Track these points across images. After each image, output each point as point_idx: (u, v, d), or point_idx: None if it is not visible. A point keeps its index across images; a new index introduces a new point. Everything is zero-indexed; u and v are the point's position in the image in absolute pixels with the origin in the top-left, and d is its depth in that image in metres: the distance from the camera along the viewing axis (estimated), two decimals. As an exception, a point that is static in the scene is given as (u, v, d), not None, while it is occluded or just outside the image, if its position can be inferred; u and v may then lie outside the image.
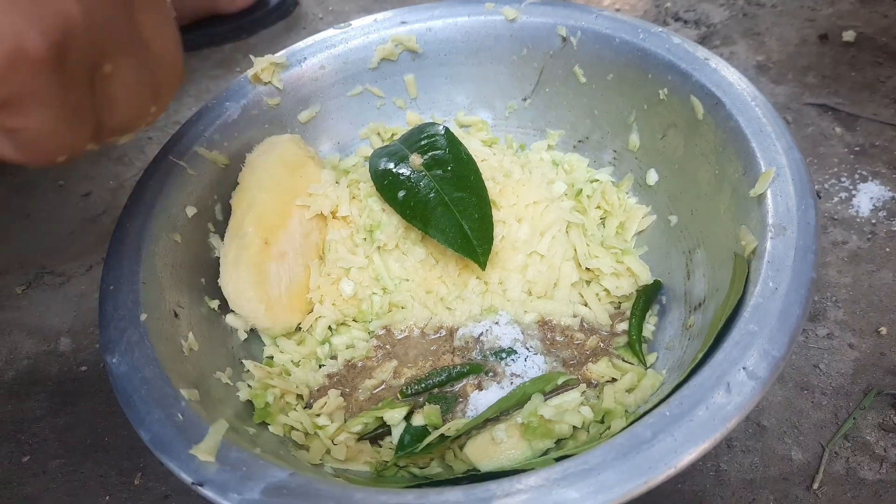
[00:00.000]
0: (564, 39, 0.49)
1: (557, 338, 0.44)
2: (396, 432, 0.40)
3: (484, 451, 0.38)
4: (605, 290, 0.45)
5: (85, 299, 0.57)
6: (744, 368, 0.29)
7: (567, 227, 0.46)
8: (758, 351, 0.30)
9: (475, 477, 0.37)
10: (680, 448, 0.28)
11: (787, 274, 0.32)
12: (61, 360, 0.54)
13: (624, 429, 0.30)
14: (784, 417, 0.44)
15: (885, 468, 0.41)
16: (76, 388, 0.52)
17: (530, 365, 0.42)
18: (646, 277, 0.45)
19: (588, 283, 0.46)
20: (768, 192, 0.36)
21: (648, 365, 0.42)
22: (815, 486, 0.41)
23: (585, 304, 0.45)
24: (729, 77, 0.42)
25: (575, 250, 0.46)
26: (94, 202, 0.65)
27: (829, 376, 0.46)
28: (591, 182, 0.51)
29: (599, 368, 0.41)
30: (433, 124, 0.47)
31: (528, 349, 0.43)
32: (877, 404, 0.44)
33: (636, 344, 0.42)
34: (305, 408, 0.43)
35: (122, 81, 0.26)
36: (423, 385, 0.42)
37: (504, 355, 0.42)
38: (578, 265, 0.45)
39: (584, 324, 0.45)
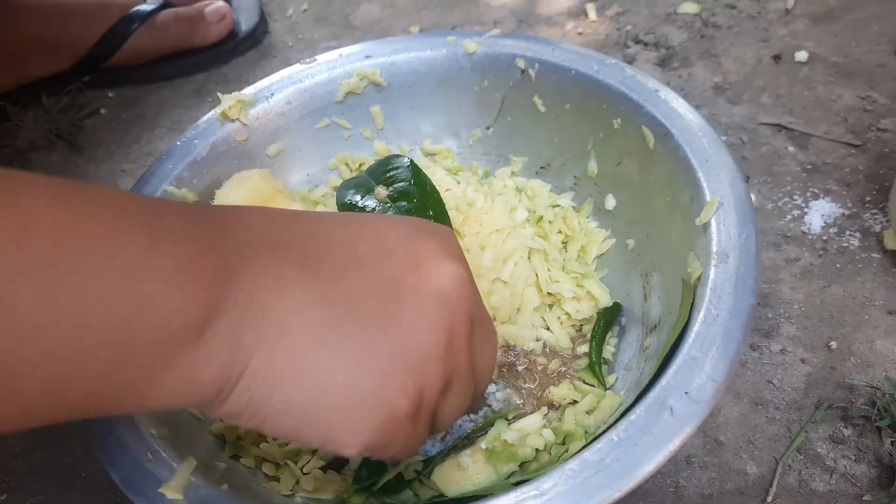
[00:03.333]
0: (523, 71, 0.51)
1: (519, 366, 0.45)
2: (354, 461, 0.41)
3: (451, 478, 0.39)
4: (567, 313, 0.47)
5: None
6: (686, 393, 0.31)
7: (529, 254, 0.48)
8: (700, 377, 0.31)
9: (443, 503, 0.39)
10: (625, 472, 0.29)
11: (728, 301, 0.34)
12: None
13: (576, 454, 0.31)
14: (740, 433, 0.46)
15: (835, 479, 0.43)
16: (54, 425, 0.52)
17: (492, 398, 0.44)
18: (605, 301, 0.47)
19: (550, 307, 0.48)
20: (713, 221, 0.38)
21: (609, 386, 0.43)
22: (769, 498, 0.43)
23: (547, 328, 0.47)
24: (678, 108, 0.43)
25: (537, 275, 0.47)
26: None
27: (783, 391, 0.47)
28: (553, 207, 0.52)
29: (561, 391, 0.43)
30: (399, 156, 0.48)
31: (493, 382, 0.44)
32: (827, 417, 0.46)
33: (596, 366, 0.43)
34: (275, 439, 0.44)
35: (453, 403, 0.30)
36: None
37: None
38: (540, 290, 0.47)
39: (547, 348, 0.46)
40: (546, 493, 0.29)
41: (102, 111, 0.77)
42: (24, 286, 0.19)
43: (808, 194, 0.59)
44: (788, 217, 0.58)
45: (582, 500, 0.28)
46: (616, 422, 0.31)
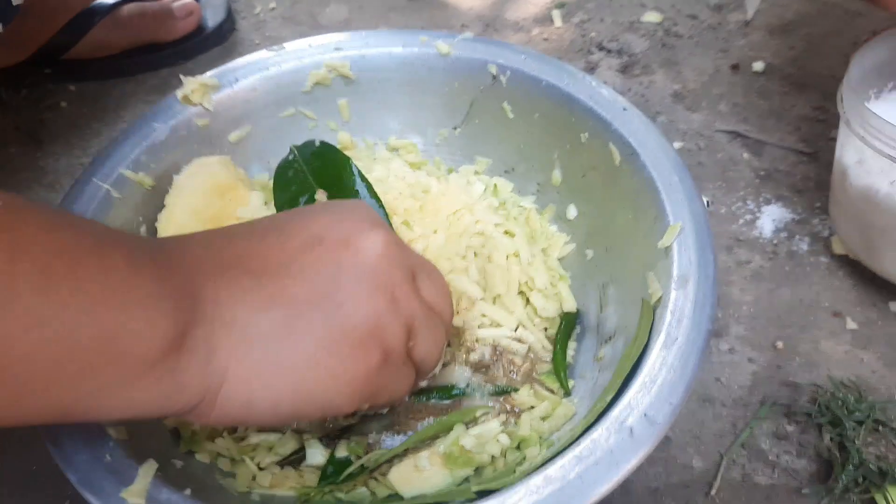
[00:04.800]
0: (495, 77, 0.51)
1: (497, 368, 0.46)
2: (312, 457, 0.42)
3: (407, 478, 0.40)
4: (535, 309, 0.48)
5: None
6: (645, 415, 0.33)
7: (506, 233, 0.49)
8: (658, 399, 0.33)
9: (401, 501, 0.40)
10: (586, 489, 0.31)
11: (686, 325, 0.35)
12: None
13: (540, 467, 0.32)
14: (687, 428, 0.48)
15: (776, 473, 0.46)
16: (13, 432, 0.51)
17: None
18: (570, 305, 0.48)
19: (527, 301, 0.48)
20: (674, 245, 0.39)
21: (568, 390, 0.45)
22: (713, 492, 0.45)
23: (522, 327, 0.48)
24: (644, 129, 0.45)
25: (518, 255, 0.48)
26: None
27: (730, 389, 0.50)
28: (517, 206, 0.53)
29: (521, 396, 0.44)
30: (332, 148, 0.49)
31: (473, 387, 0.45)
32: (772, 414, 0.49)
33: (561, 371, 0.45)
34: (231, 433, 0.44)
35: (426, 341, 0.34)
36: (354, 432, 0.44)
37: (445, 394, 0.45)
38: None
39: (527, 346, 0.47)
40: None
41: (63, 105, 0.74)
42: (13, 306, 0.21)
43: (761, 199, 0.62)
44: (741, 221, 0.60)
45: (544, 516, 0.30)
46: (579, 437, 0.33)
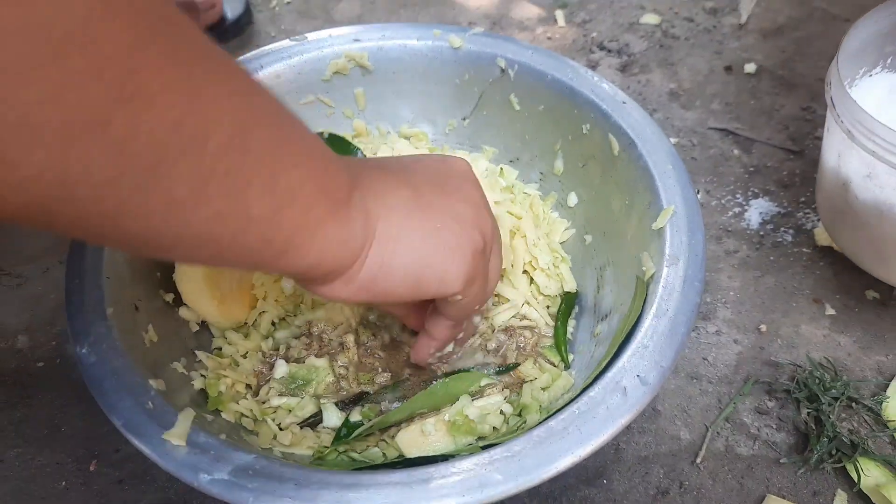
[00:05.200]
0: (503, 70, 0.54)
1: (511, 347, 0.50)
2: (328, 420, 0.45)
3: (413, 442, 0.43)
4: (538, 286, 0.51)
5: (42, 299, 0.59)
6: (637, 376, 0.36)
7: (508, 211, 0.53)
8: (649, 362, 0.37)
9: (407, 462, 0.43)
10: (584, 440, 0.34)
11: (676, 298, 0.39)
12: (18, 356, 0.56)
13: (541, 423, 0.36)
14: (675, 403, 0.52)
15: (757, 445, 0.50)
16: (33, 382, 0.54)
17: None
18: (571, 285, 0.52)
19: (531, 280, 0.52)
20: (667, 227, 0.43)
21: (570, 362, 0.48)
22: (698, 460, 0.49)
23: (528, 304, 0.51)
24: (641, 121, 0.48)
25: (525, 236, 0.52)
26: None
27: (716, 367, 0.54)
28: (522, 192, 0.57)
29: (525, 369, 0.48)
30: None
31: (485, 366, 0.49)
32: (754, 391, 0.52)
33: (562, 346, 0.48)
34: (254, 395, 0.48)
35: (496, 259, 0.39)
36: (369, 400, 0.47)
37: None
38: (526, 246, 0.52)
39: (529, 321, 0.51)
40: (516, 454, 0.34)
41: None
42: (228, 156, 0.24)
43: (749, 193, 0.65)
44: (730, 213, 0.64)
45: (546, 461, 0.33)
46: (577, 396, 0.36)
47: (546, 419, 0.36)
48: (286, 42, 0.56)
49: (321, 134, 0.54)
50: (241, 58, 0.55)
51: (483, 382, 0.46)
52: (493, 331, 0.50)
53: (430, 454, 0.42)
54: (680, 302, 0.39)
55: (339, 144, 0.52)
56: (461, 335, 0.45)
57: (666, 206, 0.44)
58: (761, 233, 0.63)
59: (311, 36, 0.56)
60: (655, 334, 0.38)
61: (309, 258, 0.29)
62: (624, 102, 0.50)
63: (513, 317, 0.50)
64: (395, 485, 0.33)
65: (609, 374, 0.37)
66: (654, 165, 0.46)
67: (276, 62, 0.55)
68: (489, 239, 0.37)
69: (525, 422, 0.43)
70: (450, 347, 0.46)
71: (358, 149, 0.52)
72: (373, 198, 0.32)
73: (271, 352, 0.50)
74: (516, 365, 0.48)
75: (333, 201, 0.29)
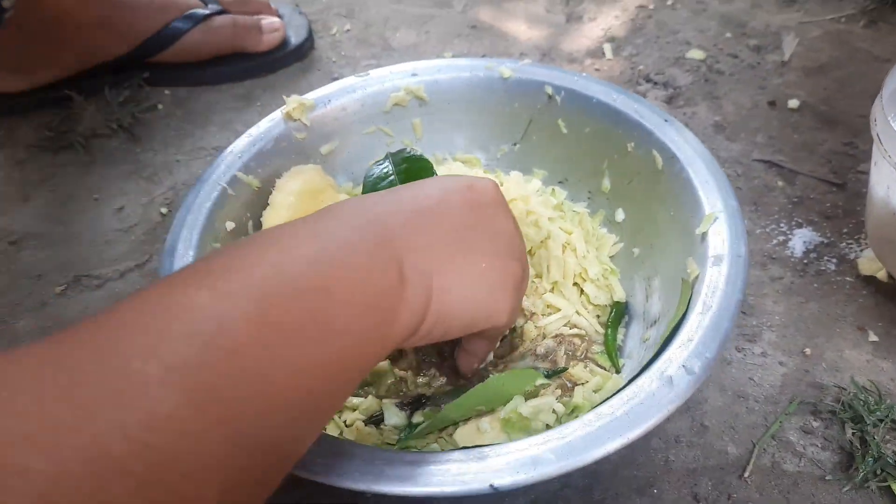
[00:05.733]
0: (550, 97, 0.58)
1: (560, 353, 0.52)
2: (389, 418, 0.48)
3: (470, 438, 0.45)
4: (587, 296, 0.53)
5: (121, 300, 0.64)
6: (683, 366, 0.38)
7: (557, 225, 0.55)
8: (694, 353, 0.38)
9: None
10: (633, 424, 0.36)
11: (719, 295, 0.41)
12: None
13: (591, 409, 0.38)
14: (723, 420, 0.53)
15: (803, 462, 0.50)
16: None
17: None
18: (620, 295, 0.54)
19: (581, 292, 0.54)
20: (710, 231, 0.45)
21: (620, 368, 0.50)
22: (746, 474, 0.49)
23: (578, 313, 0.53)
24: (683, 137, 0.51)
25: (575, 250, 0.54)
26: (127, 215, 0.72)
27: (762, 387, 0.55)
28: (571, 210, 0.59)
29: (577, 371, 0.49)
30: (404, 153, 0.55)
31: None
32: (799, 411, 0.53)
33: (613, 352, 0.50)
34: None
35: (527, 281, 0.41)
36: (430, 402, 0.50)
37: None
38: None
39: (582, 330, 0.52)
40: (567, 436, 0.36)
41: (159, 107, 0.84)
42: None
43: (793, 223, 0.67)
44: (774, 241, 0.65)
45: (596, 443, 0.35)
46: (626, 385, 0.38)
47: (598, 405, 0.38)
48: (352, 79, 0.61)
49: (404, 149, 0.56)
50: (311, 94, 0.60)
51: (538, 382, 0.48)
52: (544, 337, 0.52)
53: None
54: (723, 298, 0.41)
55: (418, 162, 0.54)
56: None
57: (708, 212, 0.46)
58: (805, 261, 0.63)
59: (373, 73, 0.62)
60: (700, 328, 0.40)
61: (390, 345, 0.32)
62: (666, 120, 0.53)
63: (563, 325, 0.52)
64: (454, 461, 0.35)
65: (656, 365, 0.38)
66: (695, 176, 0.48)
67: (343, 96, 0.60)
68: (525, 264, 0.39)
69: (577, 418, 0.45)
70: (490, 357, 0.50)
71: (431, 164, 0.54)
72: (422, 256, 0.33)
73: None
74: (564, 369, 0.50)
75: (392, 300, 0.31)
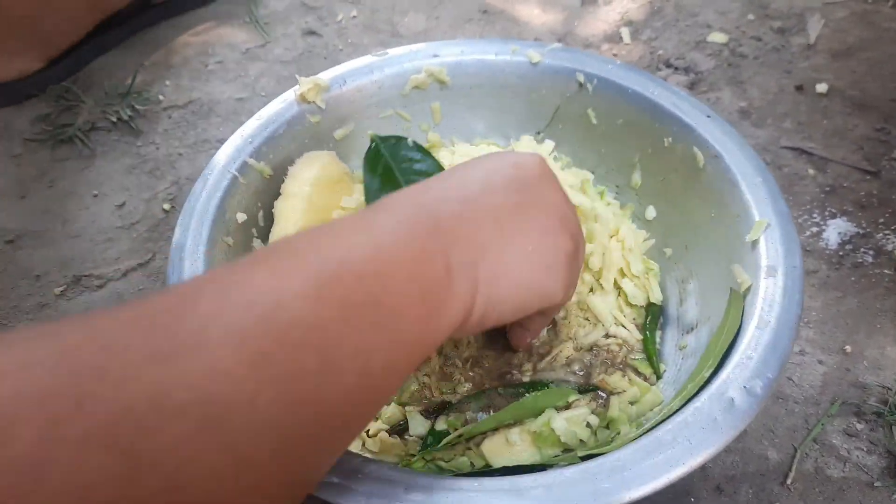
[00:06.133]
0: (581, 85, 0.55)
1: (597, 363, 0.49)
2: (414, 428, 0.45)
3: (498, 450, 0.43)
4: (625, 295, 0.50)
5: (123, 299, 0.61)
6: (744, 387, 0.35)
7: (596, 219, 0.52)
8: (755, 373, 0.36)
9: (493, 471, 0.42)
10: (694, 451, 0.33)
11: (777, 310, 0.38)
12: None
13: (646, 432, 0.35)
14: (762, 422, 0.51)
15: (848, 467, 0.48)
16: None
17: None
18: (657, 297, 0.51)
19: (618, 293, 0.51)
20: (761, 239, 0.42)
21: (660, 374, 0.47)
22: (788, 481, 0.48)
23: (622, 325, 0.50)
24: (727, 134, 0.48)
25: (623, 241, 0.51)
26: (129, 212, 0.68)
27: (801, 388, 0.53)
28: (603, 202, 0.56)
29: (614, 380, 0.47)
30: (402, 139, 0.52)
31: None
32: (842, 413, 0.51)
33: (654, 356, 0.48)
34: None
35: (582, 253, 0.40)
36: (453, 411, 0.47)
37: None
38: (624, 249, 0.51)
39: (616, 338, 0.50)
40: (625, 464, 0.33)
41: (160, 97, 0.79)
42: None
43: (826, 213, 0.64)
44: (807, 233, 0.63)
45: (656, 473, 0.33)
46: (682, 406, 0.36)
47: (651, 429, 0.35)
48: (368, 58, 0.57)
49: (405, 139, 0.53)
50: (325, 73, 0.56)
51: (571, 399, 0.46)
52: (580, 350, 0.49)
53: (516, 464, 0.42)
54: (781, 313, 0.38)
55: (423, 151, 0.51)
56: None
57: (759, 218, 0.43)
58: (840, 253, 0.61)
59: (392, 51, 0.58)
60: (759, 345, 0.37)
61: (439, 337, 0.31)
62: (708, 116, 0.49)
63: (602, 335, 0.50)
64: (505, 492, 0.33)
65: (714, 386, 0.36)
66: (742, 178, 0.46)
67: (360, 77, 0.56)
68: (578, 237, 0.38)
69: (618, 433, 0.43)
70: (544, 333, 0.49)
71: (437, 162, 0.51)
72: (466, 247, 0.32)
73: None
74: (596, 388, 0.47)
75: (440, 292, 0.30)
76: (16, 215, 0.68)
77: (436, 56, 0.57)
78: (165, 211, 0.68)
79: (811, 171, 0.68)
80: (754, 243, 0.42)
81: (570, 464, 0.35)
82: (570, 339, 0.50)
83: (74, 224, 0.67)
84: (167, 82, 0.81)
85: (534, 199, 0.36)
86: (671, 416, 0.36)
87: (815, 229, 0.63)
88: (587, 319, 0.50)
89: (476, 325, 0.33)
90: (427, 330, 0.29)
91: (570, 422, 0.43)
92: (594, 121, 0.56)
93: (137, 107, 0.77)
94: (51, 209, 0.68)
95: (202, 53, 0.84)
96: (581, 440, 0.43)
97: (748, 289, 0.41)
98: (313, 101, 0.54)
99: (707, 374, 0.38)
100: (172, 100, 0.79)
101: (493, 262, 0.33)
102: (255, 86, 0.80)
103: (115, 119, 0.76)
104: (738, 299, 0.41)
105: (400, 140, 0.51)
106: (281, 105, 0.54)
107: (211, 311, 0.23)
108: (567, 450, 0.43)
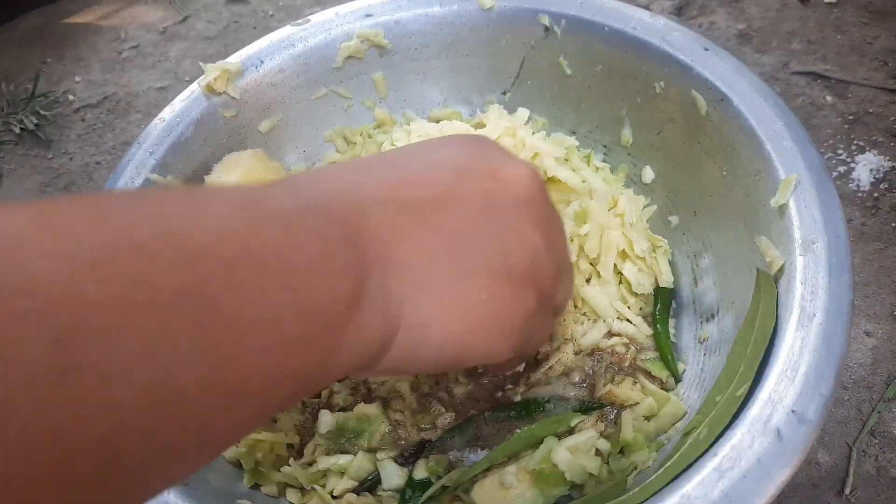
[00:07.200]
0: (547, 28, 0.45)
1: (601, 370, 0.41)
2: (388, 480, 0.37)
3: (492, 497, 0.35)
4: (627, 283, 0.42)
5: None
6: (792, 411, 0.27)
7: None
8: (804, 390, 0.27)
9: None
10: (735, 507, 0.25)
11: (823, 298, 0.29)
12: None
13: (673, 480, 0.27)
14: (803, 421, 0.42)
15: (913, 466, 0.40)
16: None
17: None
18: (667, 280, 0.42)
19: (620, 278, 0.42)
20: (791, 202, 0.33)
21: (680, 373, 0.39)
22: (847, 490, 0.39)
23: (627, 320, 0.42)
24: (733, 70, 0.38)
25: (622, 215, 0.42)
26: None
27: (849, 368, 0.44)
28: (589, 163, 0.47)
29: (623, 391, 0.38)
30: None
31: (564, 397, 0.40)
32: (899, 396, 0.42)
33: (668, 354, 0.39)
34: (298, 456, 0.40)
35: (565, 285, 0.32)
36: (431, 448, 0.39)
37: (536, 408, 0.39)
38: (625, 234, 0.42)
39: (621, 337, 0.41)
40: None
41: (70, 97, 0.70)
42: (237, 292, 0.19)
43: (853, 147, 0.55)
44: (834, 174, 0.53)
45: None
46: (715, 441, 0.27)
47: (677, 476, 0.27)
48: (287, 29, 0.48)
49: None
50: (236, 55, 0.46)
51: (573, 423, 0.37)
52: (580, 354, 0.40)
53: None
54: (829, 303, 0.29)
55: None
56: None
57: (785, 174, 0.34)
58: (875, 194, 0.52)
59: (314, 18, 0.48)
60: (805, 350, 0.28)
61: (327, 380, 0.24)
62: (706, 49, 0.40)
63: (603, 336, 0.41)
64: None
65: (753, 412, 0.27)
66: (758, 124, 0.36)
67: (278, 54, 0.47)
68: (549, 285, 0.29)
69: (634, 464, 0.34)
70: (521, 367, 0.40)
71: None
72: (394, 277, 0.25)
73: (312, 399, 0.42)
74: (601, 405, 0.38)
75: (335, 321, 0.23)
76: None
77: (368, 16, 0.47)
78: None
79: (829, 99, 0.58)
80: (782, 209, 0.33)
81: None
82: (569, 340, 0.41)
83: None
84: (76, 78, 0.71)
85: (503, 231, 0.28)
86: (704, 454, 0.27)
87: (842, 169, 0.53)
88: (584, 315, 0.42)
89: (388, 372, 0.27)
90: (311, 361, 0.22)
91: (575, 451, 0.35)
92: (568, 71, 0.46)
93: (44, 112, 0.68)
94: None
95: (114, 39, 0.74)
96: (591, 474, 0.35)
97: (780, 269, 0.32)
98: (224, 92, 0.45)
99: (742, 394, 0.29)
100: (84, 98, 0.70)
101: (429, 306, 0.25)
102: (178, 70, 0.71)
103: (18, 130, 0.67)
104: (769, 283, 0.32)
105: None
106: (185, 102, 0.44)
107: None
108: (575, 486, 0.35)
